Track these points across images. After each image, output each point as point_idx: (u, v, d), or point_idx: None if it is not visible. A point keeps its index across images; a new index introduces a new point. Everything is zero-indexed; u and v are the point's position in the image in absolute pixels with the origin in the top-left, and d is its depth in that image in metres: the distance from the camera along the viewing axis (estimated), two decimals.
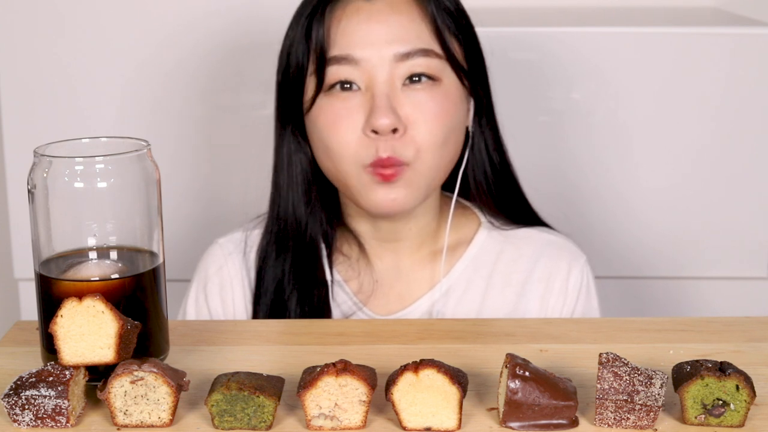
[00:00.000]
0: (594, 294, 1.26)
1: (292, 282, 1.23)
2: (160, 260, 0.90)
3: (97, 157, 0.86)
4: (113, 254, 0.89)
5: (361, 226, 1.25)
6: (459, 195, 1.27)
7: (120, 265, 0.89)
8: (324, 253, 1.24)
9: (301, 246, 1.24)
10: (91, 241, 0.88)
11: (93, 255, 0.88)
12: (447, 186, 1.26)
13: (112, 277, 0.87)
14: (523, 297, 1.23)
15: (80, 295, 0.82)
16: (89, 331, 0.82)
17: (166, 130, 1.62)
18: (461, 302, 1.23)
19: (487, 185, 1.26)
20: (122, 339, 0.83)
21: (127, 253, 0.89)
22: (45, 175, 0.86)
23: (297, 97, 1.20)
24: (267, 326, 1.08)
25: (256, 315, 1.24)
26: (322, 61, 1.16)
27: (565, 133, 1.58)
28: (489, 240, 1.26)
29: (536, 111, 1.56)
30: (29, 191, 0.87)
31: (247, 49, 1.60)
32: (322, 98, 1.17)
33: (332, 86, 1.16)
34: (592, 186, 1.59)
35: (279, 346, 0.99)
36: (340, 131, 1.16)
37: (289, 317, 1.22)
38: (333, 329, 1.03)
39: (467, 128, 1.23)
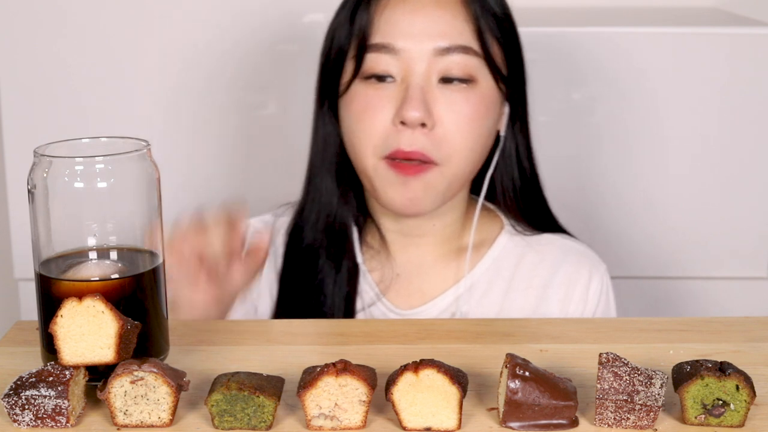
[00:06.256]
0: (612, 303, 1.27)
1: (325, 264, 1.24)
2: (160, 260, 0.90)
3: (97, 157, 0.86)
4: (113, 254, 0.89)
5: (384, 219, 1.26)
6: (484, 197, 1.27)
7: (120, 265, 0.89)
8: (356, 237, 1.24)
9: (333, 227, 1.24)
10: (91, 241, 0.88)
11: (93, 255, 0.88)
12: (475, 188, 1.27)
13: (112, 277, 0.87)
14: (543, 301, 1.24)
15: (80, 295, 0.82)
16: (89, 331, 0.82)
17: (166, 129, 1.62)
18: (481, 302, 1.24)
19: (514, 191, 1.27)
20: (122, 339, 0.83)
21: (127, 253, 0.89)
22: (45, 175, 0.86)
23: (335, 80, 1.21)
24: (267, 326, 1.08)
25: (282, 294, 1.25)
26: (363, 47, 1.17)
27: (565, 134, 1.58)
28: (511, 243, 1.26)
29: (536, 111, 1.56)
30: (29, 191, 0.87)
31: (247, 49, 1.60)
32: (358, 84, 1.18)
33: (369, 77, 1.17)
34: (591, 186, 1.59)
35: (279, 346, 0.99)
36: (368, 119, 1.17)
37: (313, 296, 1.23)
38: (333, 329, 1.04)
39: (498, 132, 1.24)
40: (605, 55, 1.55)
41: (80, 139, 0.90)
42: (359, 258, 1.25)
